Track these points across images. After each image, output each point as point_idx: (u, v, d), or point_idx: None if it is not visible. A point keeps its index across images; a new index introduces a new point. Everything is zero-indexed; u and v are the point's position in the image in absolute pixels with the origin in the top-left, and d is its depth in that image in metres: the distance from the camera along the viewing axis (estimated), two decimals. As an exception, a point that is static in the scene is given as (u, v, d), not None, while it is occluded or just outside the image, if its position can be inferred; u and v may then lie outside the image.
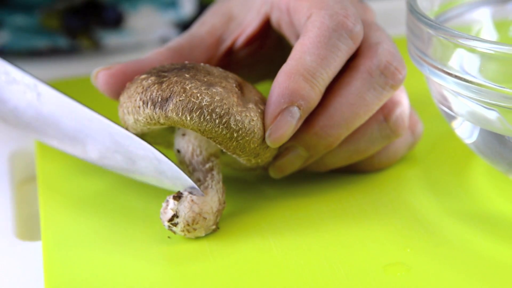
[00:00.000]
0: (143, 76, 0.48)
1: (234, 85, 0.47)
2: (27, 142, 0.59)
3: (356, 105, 0.48)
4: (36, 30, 0.71)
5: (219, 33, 0.54)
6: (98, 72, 0.51)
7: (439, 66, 0.48)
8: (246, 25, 0.53)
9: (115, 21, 0.72)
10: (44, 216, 0.49)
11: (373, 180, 0.52)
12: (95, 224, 0.49)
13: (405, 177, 0.52)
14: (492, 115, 0.47)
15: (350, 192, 0.50)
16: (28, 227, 0.52)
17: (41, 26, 0.71)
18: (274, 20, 0.52)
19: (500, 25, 0.56)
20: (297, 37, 0.50)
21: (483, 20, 0.56)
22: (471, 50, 0.46)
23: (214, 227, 0.47)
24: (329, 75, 0.48)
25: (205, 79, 0.47)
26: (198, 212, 0.46)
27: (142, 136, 0.48)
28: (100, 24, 0.72)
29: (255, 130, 0.47)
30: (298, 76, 0.47)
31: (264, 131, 0.47)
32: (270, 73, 0.56)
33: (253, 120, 0.47)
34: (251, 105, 0.47)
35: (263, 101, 0.48)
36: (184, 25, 0.74)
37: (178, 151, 0.48)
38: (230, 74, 0.49)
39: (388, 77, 0.48)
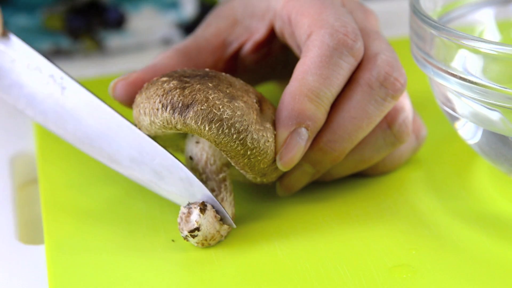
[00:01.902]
0: (164, 79, 0.47)
1: (255, 100, 0.47)
2: (28, 145, 0.59)
3: (358, 118, 0.48)
4: (38, 31, 0.71)
5: (224, 35, 0.54)
6: (116, 83, 0.50)
7: (442, 67, 0.48)
8: (254, 31, 0.53)
9: (117, 22, 0.72)
10: (46, 219, 0.49)
11: (377, 183, 0.51)
12: (98, 227, 0.49)
13: (409, 180, 0.52)
14: (495, 116, 0.47)
15: (354, 196, 0.50)
16: (30, 230, 0.52)
17: (43, 27, 0.71)
18: (277, 28, 0.52)
19: (503, 26, 0.56)
20: (299, 47, 0.50)
21: (486, 21, 0.56)
22: (474, 51, 0.46)
23: (223, 239, 0.47)
24: (333, 93, 0.48)
25: (228, 91, 0.47)
26: (218, 229, 0.46)
27: (154, 138, 0.48)
28: (102, 25, 0.72)
29: (268, 151, 0.47)
30: (303, 97, 0.47)
31: (276, 153, 0.47)
32: (272, 76, 0.56)
33: (268, 141, 0.46)
34: (268, 125, 0.47)
35: None
36: (186, 26, 0.74)
37: (191, 158, 0.48)
38: (251, 88, 0.48)
39: (388, 88, 0.48)
